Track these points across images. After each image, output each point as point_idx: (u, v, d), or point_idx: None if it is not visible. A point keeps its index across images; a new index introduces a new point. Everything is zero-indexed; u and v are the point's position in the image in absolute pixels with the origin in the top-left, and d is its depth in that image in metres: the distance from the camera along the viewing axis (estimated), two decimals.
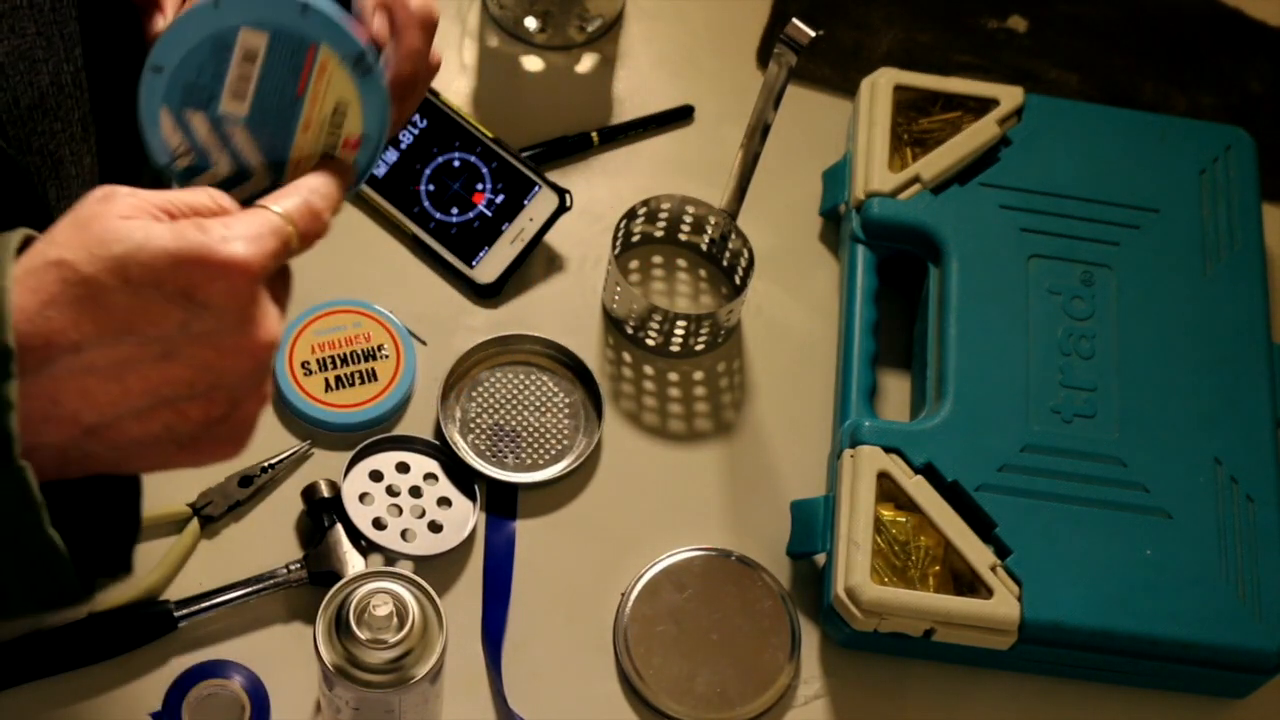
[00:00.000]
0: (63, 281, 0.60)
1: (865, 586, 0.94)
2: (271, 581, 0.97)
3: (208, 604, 0.96)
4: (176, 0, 0.68)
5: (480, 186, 1.11)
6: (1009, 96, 1.11)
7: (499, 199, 1.10)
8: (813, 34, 0.97)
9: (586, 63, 1.21)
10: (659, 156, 1.17)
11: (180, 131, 0.60)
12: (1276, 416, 1.03)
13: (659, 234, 1.13)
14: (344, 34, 0.60)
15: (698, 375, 1.09)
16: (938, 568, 0.97)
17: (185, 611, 0.96)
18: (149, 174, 0.75)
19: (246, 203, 0.61)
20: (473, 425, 1.05)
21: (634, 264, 1.13)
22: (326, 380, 1.04)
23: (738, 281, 1.11)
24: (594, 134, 1.16)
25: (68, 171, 0.79)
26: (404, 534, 1.00)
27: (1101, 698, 1.00)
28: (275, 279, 0.65)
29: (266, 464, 1.01)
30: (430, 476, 1.03)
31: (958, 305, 1.04)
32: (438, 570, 1.00)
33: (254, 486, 1.01)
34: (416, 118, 1.12)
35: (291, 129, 0.60)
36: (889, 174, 1.08)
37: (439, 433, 1.04)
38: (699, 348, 1.09)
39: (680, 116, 1.19)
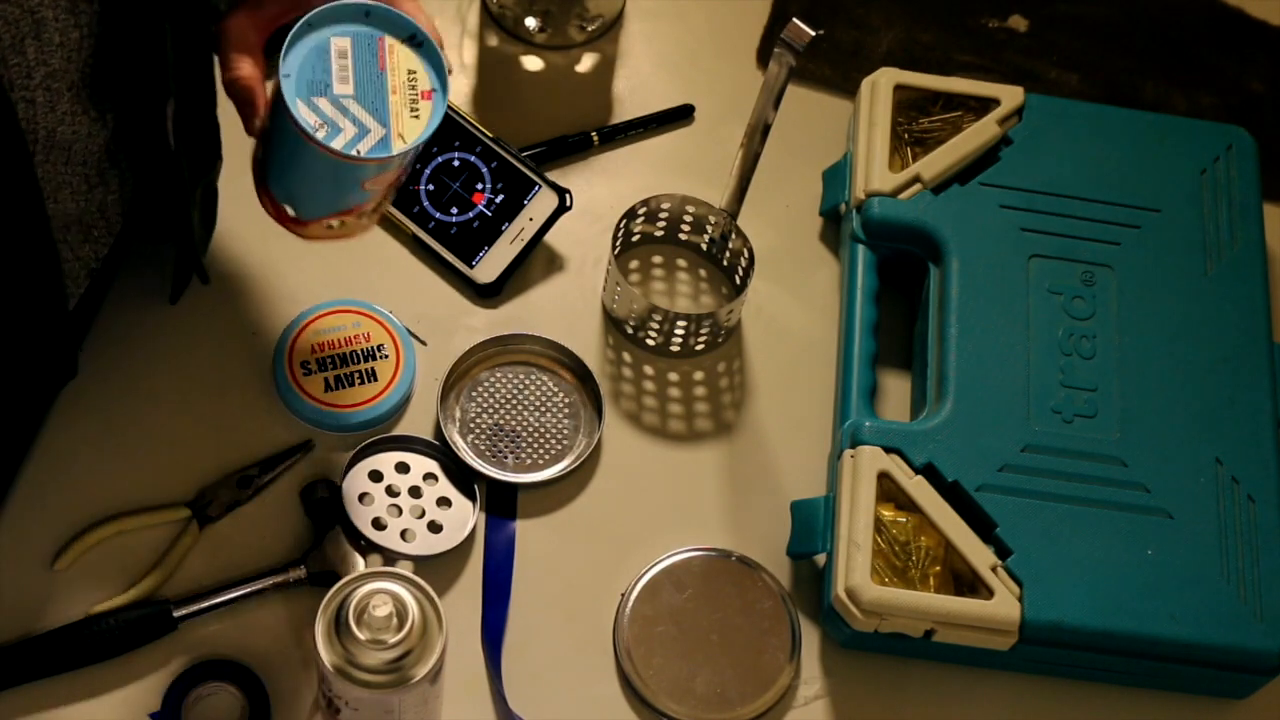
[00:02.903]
0: None
1: (865, 587, 0.94)
2: (271, 582, 0.97)
3: (207, 604, 0.96)
4: (267, 100, 0.85)
5: (480, 186, 1.11)
6: (1009, 96, 1.11)
7: (499, 199, 1.10)
8: (813, 34, 0.97)
9: (586, 63, 1.20)
10: (659, 156, 1.17)
11: (313, 112, 0.82)
12: (1277, 416, 1.03)
13: (659, 234, 1.13)
14: (398, 23, 0.84)
15: (698, 375, 1.09)
16: (938, 568, 0.97)
17: (184, 612, 0.96)
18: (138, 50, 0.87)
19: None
20: (472, 425, 1.05)
21: (634, 264, 1.13)
22: (326, 380, 1.04)
23: (738, 281, 1.10)
24: (594, 134, 1.16)
25: (49, 37, 0.81)
26: (404, 534, 1.00)
27: (1101, 698, 1.00)
28: None
29: (266, 464, 1.01)
30: (430, 476, 1.03)
31: (958, 305, 1.04)
32: (437, 570, 1.00)
33: (253, 486, 1.01)
34: None
35: (385, 95, 0.84)
36: (889, 174, 1.08)
37: (439, 433, 1.04)
38: (699, 348, 1.09)
39: (680, 116, 1.19)
